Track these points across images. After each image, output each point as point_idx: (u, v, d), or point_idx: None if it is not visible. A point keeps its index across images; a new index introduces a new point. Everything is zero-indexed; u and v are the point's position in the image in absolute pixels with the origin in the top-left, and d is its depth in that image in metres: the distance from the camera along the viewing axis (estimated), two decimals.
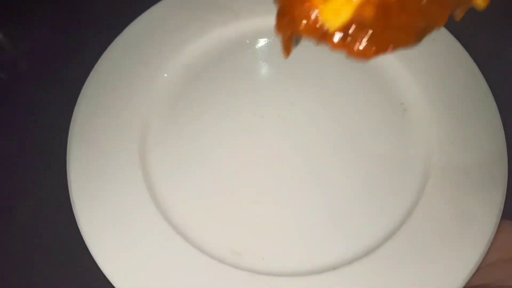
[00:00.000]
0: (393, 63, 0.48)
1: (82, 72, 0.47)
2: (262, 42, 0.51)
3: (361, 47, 0.29)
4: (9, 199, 0.47)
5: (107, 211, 0.40)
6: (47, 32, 0.56)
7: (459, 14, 0.31)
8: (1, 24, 0.56)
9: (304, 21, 0.29)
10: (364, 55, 0.29)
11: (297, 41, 0.31)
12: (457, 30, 0.49)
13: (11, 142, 0.50)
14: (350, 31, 0.28)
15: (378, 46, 0.29)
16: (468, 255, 0.38)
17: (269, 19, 0.49)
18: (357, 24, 0.28)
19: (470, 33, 0.52)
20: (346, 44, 0.29)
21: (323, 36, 0.29)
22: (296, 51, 0.31)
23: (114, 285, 0.37)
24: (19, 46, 0.56)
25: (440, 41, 0.49)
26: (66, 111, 0.47)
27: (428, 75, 0.47)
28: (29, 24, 0.56)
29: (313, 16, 0.29)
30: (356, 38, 0.29)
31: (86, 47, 0.52)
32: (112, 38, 0.49)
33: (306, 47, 0.34)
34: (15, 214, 0.46)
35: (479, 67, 0.47)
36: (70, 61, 0.52)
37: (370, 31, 0.29)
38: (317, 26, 0.29)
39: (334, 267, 0.39)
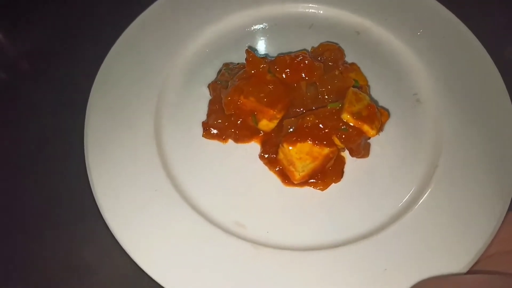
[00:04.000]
0: (408, 53, 0.49)
1: (83, 70, 0.48)
2: (278, 27, 0.52)
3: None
4: (22, 180, 0.47)
5: (122, 179, 0.41)
6: (47, 32, 0.57)
7: None
8: (1, 24, 0.58)
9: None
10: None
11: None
12: (474, 24, 0.49)
13: (12, 137, 0.50)
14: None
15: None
16: (471, 244, 0.38)
17: (289, 7, 0.52)
18: None
19: (487, 27, 0.51)
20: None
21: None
22: None
23: (123, 246, 0.38)
24: (19, 46, 0.57)
25: (456, 33, 0.49)
26: (70, 109, 0.48)
27: (444, 67, 0.47)
28: (29, 24, 0.57)
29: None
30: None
31: (89, 45, 0.53)
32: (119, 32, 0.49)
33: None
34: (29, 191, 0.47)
35: (494, 61, 0.46)
36: (70, 60, 0.53)
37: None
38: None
39: (336, 245, 0.39)
